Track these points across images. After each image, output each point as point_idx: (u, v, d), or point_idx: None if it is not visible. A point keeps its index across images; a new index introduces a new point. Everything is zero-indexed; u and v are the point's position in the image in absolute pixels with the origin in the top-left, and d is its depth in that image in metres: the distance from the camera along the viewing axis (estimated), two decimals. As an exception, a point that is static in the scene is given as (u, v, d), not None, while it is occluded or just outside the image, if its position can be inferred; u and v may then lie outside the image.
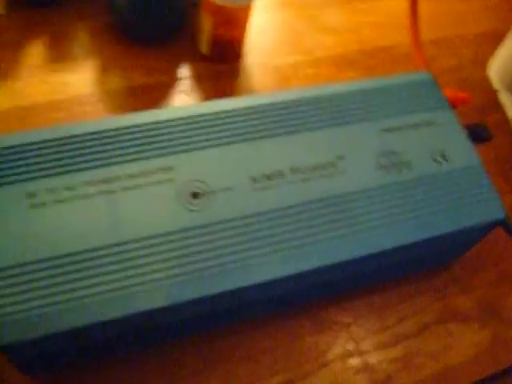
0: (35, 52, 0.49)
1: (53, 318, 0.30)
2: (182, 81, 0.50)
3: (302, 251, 0.34)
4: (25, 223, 0.32)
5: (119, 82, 0.48)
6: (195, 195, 0.35)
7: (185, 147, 0.36)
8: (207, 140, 0.37)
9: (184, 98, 0.48)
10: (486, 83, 0.56)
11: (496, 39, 0.60)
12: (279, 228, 0.34)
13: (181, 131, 0.37)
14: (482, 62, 0.57)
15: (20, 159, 0.34)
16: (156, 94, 0.48)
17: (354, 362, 0.40)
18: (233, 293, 0.33)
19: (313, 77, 0.52)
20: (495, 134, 0.53)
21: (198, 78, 0.50)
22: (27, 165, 0.34)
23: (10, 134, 0.35)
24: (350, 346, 0.40)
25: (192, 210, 0.34)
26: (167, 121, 0.37)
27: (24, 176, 0.33)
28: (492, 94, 0.55)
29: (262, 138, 0.37)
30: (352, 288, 0.42)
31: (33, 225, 0.32)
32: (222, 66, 0.51)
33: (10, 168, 0.34)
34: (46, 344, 0.31)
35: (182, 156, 0.36)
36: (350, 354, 0.40)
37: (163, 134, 0.36)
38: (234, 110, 0.38)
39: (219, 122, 0.38)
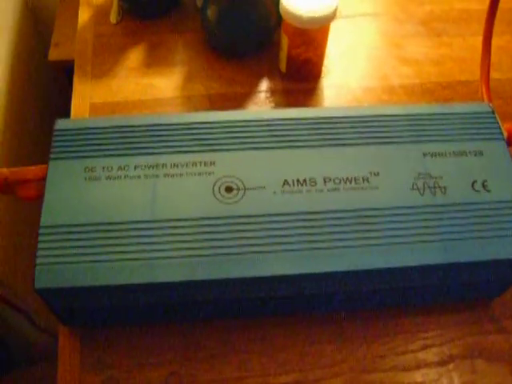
0: (134, 57, 0.55)
1: (85, 274, 0.34)
2: (258, 94, 0.53)
3: (319, 254, 0.36)
4: (79, 192, 0.37)
5: (201, 89, 0.53)
6: (229, 189, 0.38)
7: (230, 147, 0.40)
8: (252, 143, 0.40)
9: (256, 110, 0.52)
10: None
11: None
12: (301, 230, 0.36)
13: (229, 132, 0.40)
14: None
15: (85, 139, 0.39)
16: (232, 103, 0.52)
17: (369, 377, 0.40)
18: (247, 281, 0.36)
19: (384, 102, 0.53)
20: None
21: (273, 94, 0.53)
22: (90, 145, 0.39)
23: (80, 119, 0.41)
24: (368, 362, 0.41)
25: (223, 202, 0.37)
26: (218, 122, 0.41)
27: (85, 154, 0.39)
28: None
29: (303, 147, 0.40)
30: (381, 306, 0.43)
31: (85, 194, 0.37)
32: (298, 84, 0.54)
33: (75, 146, 0.39)
34: (78, 297, 0.36)
35: (226, 154, 0.39)
36: (366, 370, 0.41)
37: (213, 133, 0.40)
38: (281, 120, 0.41)
39: (266, 128, 0.41)
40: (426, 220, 0.38)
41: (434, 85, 0.55)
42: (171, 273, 0.35)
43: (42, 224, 0.36)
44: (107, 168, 0.38)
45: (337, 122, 0.41)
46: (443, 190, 0.39)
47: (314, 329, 0.42)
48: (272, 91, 0.54)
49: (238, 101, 0.53)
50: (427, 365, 0.41)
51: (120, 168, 0.38)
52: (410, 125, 0.42)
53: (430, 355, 0.42)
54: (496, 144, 0.41)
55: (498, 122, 0.42)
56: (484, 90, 0.46)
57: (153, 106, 0.52)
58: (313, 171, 0.39)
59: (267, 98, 0.53)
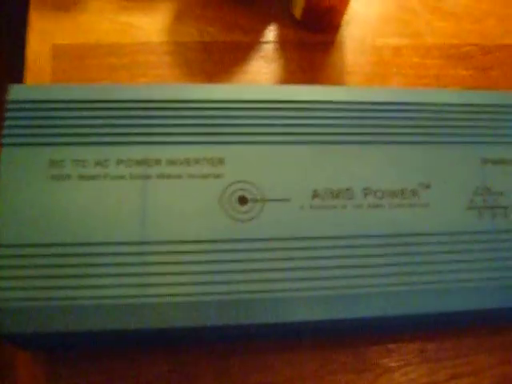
0: (109, -17, 0.43)
1: (49, 316, 0.26)
2: (265, 45, 0.43)
3: (351, 296, 0.28)
4: (42, 196, 0.28)
5: (194, 34, 0.42)
6: (243, 200, 0.29)
7: (243, 138, 0.30)
8: (272, 134, 0.31)
9: (261, 66, 0.42)
10: None
11: None
12: (332, 260, 0.28)
13: (243, 117, 0.31)
14: None
15: (51, 118, 0.29)
16: (232, 55, 0.42)
17: (388, 416, 0.34)
18: (262, 325, 0.28)
19: (416, 67, 0.44)
20: None
21: (284, 45, 0.43)
22: (58, 126, 0.29)
23: (46, 86, 0.30)
24: (388, 396, 0.35)
25: (235, 219, 0.29)
26: (229, 101, 0.31)
27: (52, 139, 0.29)
28: None
29: (337, 143, 0.31)
30: (403, 330, 0.36)
31: (51, 200, 0.28)
32: (314, 35, 0.44)
33: (38, 127, 0.29)
34: (44, 340, 0.27)
35: (238, 148, 0.30)
36: (386, 406, 0.35)
37: (222, 117, 0.31)
38: (312, 102, 0.32)
39: (291, 113, 0.31)
40: (483, 251, 0.30)
41: (473, 48, 0.45)
42: (164, 317, 0.27)
43: (-9, 245, 0.26)
44: (81, 162, 0.29)
45: (380, 110, 0.32)
46: (504, 211, 0.31)
47: (326, 356, 0.35)
48: (282, 42, 0.43)
49: (241, 52, 0.42)
50: (453, 400, 0.36)
51: (98, 163, 0.29)
52: (468, 119, 0.33)
53: (457, 388, 0.36)
54: None
55: None
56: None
57: (133, 52, 0.41)
58: (349, 179, 0.30)
59: (276, 50, 0.43)
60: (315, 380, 0.34)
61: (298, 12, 0.43)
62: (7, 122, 0.29)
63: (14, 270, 0.26)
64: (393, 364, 0.36)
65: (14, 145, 0.28)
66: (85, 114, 0.29)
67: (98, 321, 0.26)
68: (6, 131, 0.29)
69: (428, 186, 0.31)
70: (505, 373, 0.37)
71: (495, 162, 0.32)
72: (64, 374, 0.32)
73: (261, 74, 0.41)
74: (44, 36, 0.40)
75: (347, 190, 0.30)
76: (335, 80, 0.42)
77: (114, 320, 0.26)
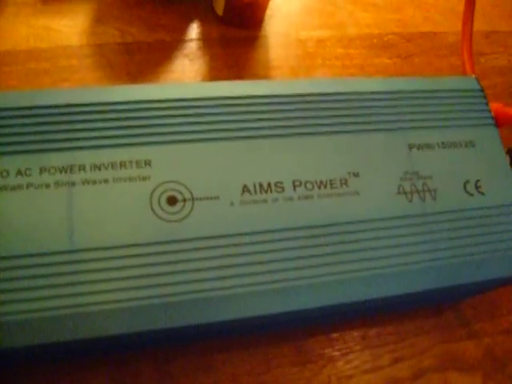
0: (23, -13, 0.42)
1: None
2: (189, 43, 0.43)
3: (288, 289, 0.28)
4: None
5: (115, 35, 0.41)
6: (172, 200, 0.28)
7: (169, 137, 0.30)
8: (198, 132, 0.30)
9: (186, 64, 0.41)
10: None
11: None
12: (266, 255, 0.28)
13: (167, 117, 0.30)
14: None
15: (-35, 128, 0.28)
16: (155, 55, 0.41)
17: (335, 404, 0.35)
18: (199, 326, 0.27)
19: (340, 58, 0.44)
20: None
21: (208, 43, 0.43)
22: (-27, 137, 0.28)
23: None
24: (333, 385, 0.35)
25: (165, 220, 0.28)
26: (152, 101, 0.30)
27: (-33, 150, 0.28)
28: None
29: (264, 137, 0.31)
30: (344, 318, 0.37)
31: (-31, 213, 0.26)
32: (238, 31, 0.44)
33: (-48, 138, 0.28)
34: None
35: (164, 148, 0.29)
36: (332, 395, 0.35)
37: (146, 118, 0.30)
38: (236, 98, 0.32)
39: (216, 110, 0.31)
40: (414, 235, 0.31)
41: (395, 37, 0.47)
42: (100, 325, 0.26)
43: None
44: (1, 173, 0.27)
45: (304, 102, 0.32)
46: (433, 193, 0.32)
47: (268, 351, 0.35)
48: (206, 40, 0.43)
49: (164, 52, 0.42)
50: (397, 381, 0.36)
51: (19, 172, 0.28)
52: (393, 106, 0.34)
53: (400, 370, 0.37)
54: (487, 131, 0.35)
55: (487, 103, 0.36)
56: (466, 57, 0.39)
57: (53, 57, 0.40)
58: (278, 172, 0.30)
59: (200, 48, 0.43)
60: (260, 376, 0.34)
61: (219, 8, 0.43)
62: None
63: None
64: (336, 353, 0.36)
65: None
66: (3, 122, 0.28)
67: (28, 336, 0.25)
68: None
69: (357, 175, 0.31)
70: (445, 351, 0.38)
71: (420, 147, 0.33)
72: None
73: (186, 73, 0.41)
74: (-44, 44, 0.39)
75: (277, 183, 0.30)
76: (261, 75, 0.42)
77: (46, 333, 0.25)
